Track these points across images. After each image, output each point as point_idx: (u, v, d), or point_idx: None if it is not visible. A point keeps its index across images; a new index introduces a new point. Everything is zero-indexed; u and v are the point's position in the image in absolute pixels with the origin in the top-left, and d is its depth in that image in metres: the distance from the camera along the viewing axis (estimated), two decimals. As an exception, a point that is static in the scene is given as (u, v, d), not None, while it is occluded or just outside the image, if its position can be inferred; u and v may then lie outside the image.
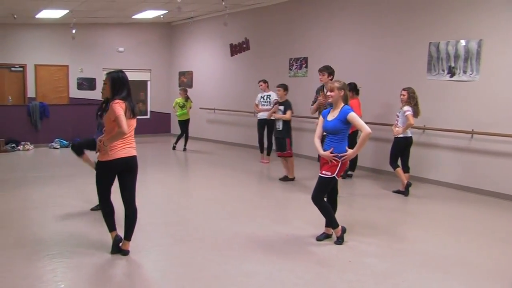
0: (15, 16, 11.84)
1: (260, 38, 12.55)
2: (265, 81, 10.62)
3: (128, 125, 4.50)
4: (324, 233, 5.37)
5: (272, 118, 9.02)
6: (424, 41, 8.53)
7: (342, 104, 5.14)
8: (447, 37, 8.20)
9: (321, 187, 5.14)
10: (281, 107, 8.51)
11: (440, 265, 4.68)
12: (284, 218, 6.40)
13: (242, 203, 7.10)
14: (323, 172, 5.12)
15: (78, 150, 6.66)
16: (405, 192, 7.52)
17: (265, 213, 6.51)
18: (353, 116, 5.01)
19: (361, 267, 4.57)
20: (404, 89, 7.56)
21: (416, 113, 7.48)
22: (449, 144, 8.27)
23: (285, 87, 8.71)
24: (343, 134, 5.12)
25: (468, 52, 7.88)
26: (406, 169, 7.68)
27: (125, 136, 4.55)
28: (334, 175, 5.06)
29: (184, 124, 12.54)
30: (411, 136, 7.65)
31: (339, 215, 5.33)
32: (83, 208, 6.65)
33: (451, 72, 8.17)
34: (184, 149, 12.49)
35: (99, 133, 6.47)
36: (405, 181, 7.53)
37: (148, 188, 7.72)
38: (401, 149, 7.63)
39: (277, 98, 10.13)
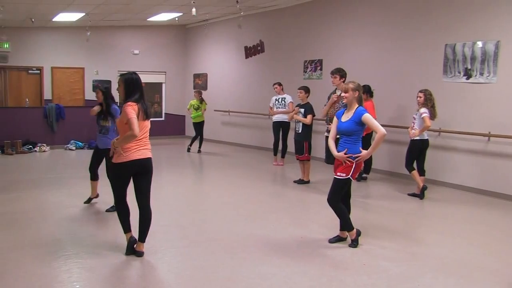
0: (33, 20, 11.98)
1: (274, 40, 12.55)
2: (279, 84, 10.59)
3: (141, 127, 4.51)
4: (337, 236, 5.33)
5: (292, 120, 8.97)
6: (440, 43, 8.45)
7: (357, 105, 5.11)
8: (464, 38, 8.11)
9: (336, 188, 5.12)
10: (302, 110, 8.42)
11: (456, 270, 4.62)
12: (299, 221, 6.37)
13: (257, 205, 7.09)
14: (338, 173, 5.09)
15: (93, 174, 6.89)
16: (420, 195, 7.46)
17: (280, 216, 6.49)
18: (367, 117, 4.99)
19: (376, 271, 4.53)
20: (420, 91, 7.48)
21: (432, 115, 7.39)
22: (465, 147, 8.18)
23: (306, 89, 8.59)
24: (357, 135, 5.09)
25: (485, 54, 7.79)
26: (422, 172, 7.61)
27: (140, 138, 4.56)
28: (349, 176, 5.03)
29: (198, 126, 12.59)
30: (427, 139, 7.58)
31: (354, 218, 5.30)
32: (98, 209, 6.72)
33: (468, 74, 8.08)
34: (199, 151, 12.53)
35: (101, 137, 6.59)
36: (421, 184, 7.46)
37: (163, 190, 7.74)
38: (417, 151, 7.56)
39: (292, 101, 10.17)
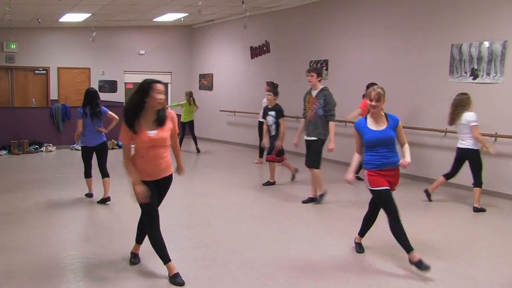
0: (40, 20, 12.03)
1: (280, 40, 12.54)
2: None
3: None
4: (357, 243, 5.09)
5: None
6: (446, 43, 8.42)
7: (383, 113, 4.70)
8: (470, 38, 8.08)
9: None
10: (272, 113, 8.17)
11: None
12: (305, 221, 6.36)
13: (262, 205, 7.09)
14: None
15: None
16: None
17: (285, 216, 6.49)
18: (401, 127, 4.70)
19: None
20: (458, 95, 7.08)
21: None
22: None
23: (275, 92, 8.35)
24: (395, 143, 4.66)
25: (492, 54, 7.76)
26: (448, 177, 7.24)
27: None
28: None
29: (188, 126, 12.65)
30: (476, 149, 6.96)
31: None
32: (104, 208, 6.74)
33: (474, 74, 8.04)
34: (198, 151, 12.56)
35: (97, 135, 7.07)
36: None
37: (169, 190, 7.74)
38: (456, 160, 7.15)
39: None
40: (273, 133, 8.22)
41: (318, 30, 11.30)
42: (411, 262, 4.47)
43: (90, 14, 12.02)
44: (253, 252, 5.03)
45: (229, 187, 8.38)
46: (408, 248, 4.49)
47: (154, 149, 4.14)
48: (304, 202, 7.20)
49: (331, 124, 6.88)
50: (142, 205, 4.21)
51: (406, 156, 4.63)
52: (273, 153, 8.22)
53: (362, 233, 5.07)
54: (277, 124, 8.14)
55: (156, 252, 4.26)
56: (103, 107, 7.21)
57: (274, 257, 4.89)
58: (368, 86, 8.64)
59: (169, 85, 16.27)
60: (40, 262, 4.65)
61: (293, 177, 8.86)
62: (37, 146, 12.43)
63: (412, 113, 8.66)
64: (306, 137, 7.11)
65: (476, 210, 6.88)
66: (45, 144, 12.59)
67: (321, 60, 11.21)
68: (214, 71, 15.39)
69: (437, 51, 8.59)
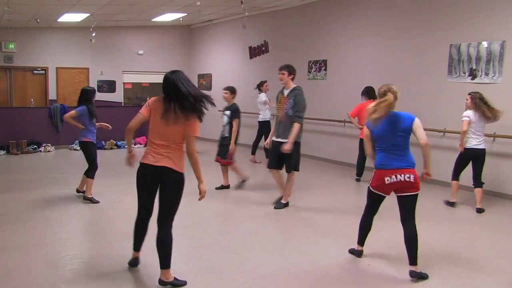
0: (38, 20, 12.02)
1: (279, 40, 12.54)
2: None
3: (153, 127, 4.19)
4: (357, 249, 4.95)
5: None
6: (445, 43, 8.43)
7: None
8: (469, 38, 8.09)
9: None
10: (227, 113, 7.80)
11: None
12: (303, 221, 6.36)
13: (260, 205, 7.09)
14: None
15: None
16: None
17: (283, 216, 6.49)
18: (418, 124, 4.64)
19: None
20: (468, 94, 6.86)
21: (492, 115, 6.69)
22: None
23: (232, 90, 8.02)
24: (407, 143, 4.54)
25: (491, 54, 7.77)
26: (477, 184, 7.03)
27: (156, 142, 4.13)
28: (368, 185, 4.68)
29: None
30: (482, 148, 6.84)
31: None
32: (103, 208, 6.75)
33: (473, 74, 8.06)
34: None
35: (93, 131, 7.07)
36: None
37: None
38: (463, 161, 7.04)
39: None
40: (226, 134, 7.80)
41: (317, 30, 11.30)
42: (351, 250, 4.93)
43: (89, 14, 12.02)
44: (251, 252, 5.03)
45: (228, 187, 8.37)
46: (360, 241, 4.86)
47: None
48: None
49: (295, 126, 6.42)
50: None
51: None
52: (226, 156, 7.79)
53: (361, 241, 4.92)
54: (231, 125, 7.72)
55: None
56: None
57: (272, 257, 4.90)
58: (364, 90, 8.67)
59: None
60: (39, 262, 4.65)
61: (239, 185, 8.12)
62: (35, 146, 12.41)
63: (411, 113, 8.64)
64: (275, 138, 6.74)
65: (480, 211, 6.87)
66: (44, 144, 12.57)
67: (320, 60, 11.22)
68: (212, 71, 15.39)
69: (436, 51, 8.60)
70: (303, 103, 6.53)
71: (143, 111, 4.15)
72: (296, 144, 6.55)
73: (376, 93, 4.63)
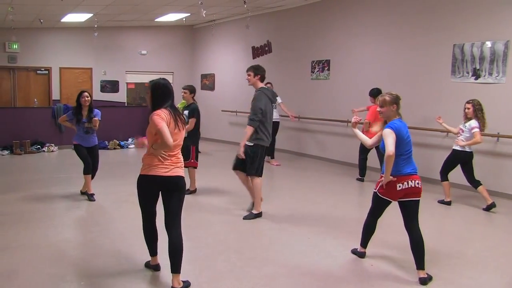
0: (42, 20, 12.05)
1: (282, 40, 12.54)
2: (271, 84, 10.65)
3: (174, 139, 3.97)
4: (361, 250, 4.93)
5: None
6: (448, 43, 8.41)
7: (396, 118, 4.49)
8: (472, 38, 8.07)
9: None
10: (186, 112, 7.39)
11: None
12: (306, 221, 6.36)
13: (264, 204, 7.08)
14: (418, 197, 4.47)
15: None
16: (488, 207, 6.99)
17: (286, 216, 6.48)
18: (384, 133, 4.37)
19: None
20: (468, 102, 6.87)
21: (483, 126, 6.83)
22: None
23: (191, 89, 7.62)
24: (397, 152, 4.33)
25: (494, 54, 7.75)
26: (476, 184, 7.03)
27: (173, 153, 4.05)
28: (375, 190, 4.58)
29: None
30: (471, 152, 6.98)
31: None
32: (106, 209, 6.76)
33: (476, 74, 8.04)
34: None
35: (89, 137, 7.09)
36: (449, 197, 7.23)
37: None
38: (456, 163, 7.09)
39: (282, 102, 10.07)
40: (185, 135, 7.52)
41: (320, 30, 11.29)
42: (354, 251, 4.96)
43: (92, 14, 12.04)
44: (255, 252, 5.03)
45: (229, 187, 8.36)
46: (363, 243, 4.87)
47: None
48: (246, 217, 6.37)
49: (247, 128, 6.08)
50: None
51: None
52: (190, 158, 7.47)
53: (364, 243, 4.91)
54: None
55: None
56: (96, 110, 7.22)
57: (275, 257, 4.89)
58: (371, 91, 8.67)
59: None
60: (42, 262, 4.66)
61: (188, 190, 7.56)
62: (39, 146, 12.44)
63: (414, 113, 8.64)
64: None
65: (493, 205, 6.91)
66: (47, 144, 12.60)
67: (323, 60, 11.21)
68: (216, 71, 15.40)
69: (439, 51, 8.58)
70: (256, 106, 6.09)
71: (163, 123, 3.89)
72: (255, 148, 6.14)
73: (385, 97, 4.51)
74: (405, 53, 9.24)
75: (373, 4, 10.01)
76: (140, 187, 4.12)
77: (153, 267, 4.50)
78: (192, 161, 7.54)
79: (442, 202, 7.29)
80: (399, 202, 4.46)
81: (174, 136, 3.97)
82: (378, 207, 4.63)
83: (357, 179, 9.00)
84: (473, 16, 8.10)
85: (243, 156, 6.16)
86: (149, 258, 4.51)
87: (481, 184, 7.01)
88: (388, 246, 5.20)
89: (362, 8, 10.27)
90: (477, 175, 7.08)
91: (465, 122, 6.96)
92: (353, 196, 8.14)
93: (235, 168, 6.49)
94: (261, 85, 6.38)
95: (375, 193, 4.57)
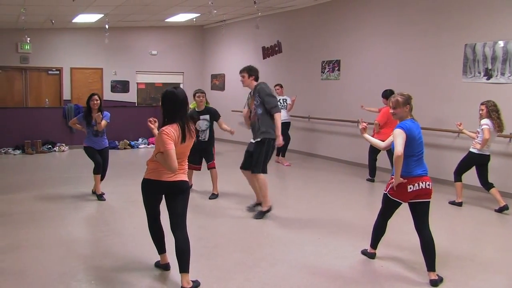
0: (53, 21, 12.13)
1: (292, 40, 12.52)
2: (281, 86, 10.75)
3: (179, 152, 3.97)
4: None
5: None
6: (460, 42, 8.34)
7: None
8: (484, 38, 8.00)
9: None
10: (206, 116, 7.44)
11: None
12: (316, 222, 6.34)
13: (274, 205, 7.08)
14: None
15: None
16: (501, 208, 6.93)
17: (296, 216, 6.47)
18: (394, 133, 4.34)
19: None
20: (482, 103, 6.82)
21: (499, 127, 6.73)
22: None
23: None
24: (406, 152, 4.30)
25: (507, 53, 7.67)
26: (488, 186, 6.97)
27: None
28: (385, 191, 4.54)
29: None
30: (488, 155, 6.91)
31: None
32: (115, 207, 6.78)
33: (488, 74, 7.96)
34: None
35: (99, 139, 7.11)
36: (461, 198, 7.17)
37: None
38: (471, 165, 7.03)
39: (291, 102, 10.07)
40: (206, 138, 7.49)
41: (331, 30, 11.26)
42: (364, 252, 4.93)
43: (103, 15, 12.10)
44: (264, 253, 5.02)
45: (238, 187, 8.36)
46: (373, 244, 4.85)
47: None
48: (255, 216, 6.38)
49: (276, 116, 6.18)
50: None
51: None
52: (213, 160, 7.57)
53: (374, 244, 4.89)
54: (211, 130, 7.52)
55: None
56: (106, 112, 7.24)
57: (285, 257, 4.88)
58: (383, 93, 8.62)
59: (181, 85, 16.32)
60: (53, 261, 4.69)
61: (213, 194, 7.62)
62: (50, 146, 12.52)
63: (424, 113, 8.57)
64: (251, 140, 6.47)
65: (506, 207, 6.84)
66: (58, 144, 12.68)
67: (333, 60, 11.17)
68: (226, 71, 15.41)
69: (450, 51, 8.52)
70: (273, 98, 6.26)
71: (171, 146, 3.86)
72: (264, 143, 6.22)
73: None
74: (416, 53, 9.18)
75: (383, 4, 9.95)
76: (144, 190, 4.18)
77: (162, 266, 4.51)
78: (212, 162, 7.55)
79: (453, 203, 7.23)
80: (409, 203, 4.43)
81: (182, 149, 4.00)
82: (388, 208, 4.60)
83: (367, 179, 8.97)
84: (485, 16, 8.03)
85: (282, 143, 6.31)
86: (158, 257, 4.52)
87: (494, 187, 6.94)
88: (399, 248, 5.17)
89: (372, 8, 10.22)
90: (490, 177, 7.01)
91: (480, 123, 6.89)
92: (363, 197, 8.11)
93: (245, 167, 6.53)
94: (255, 83, 6.38)
95: (385, 195, 4.55)
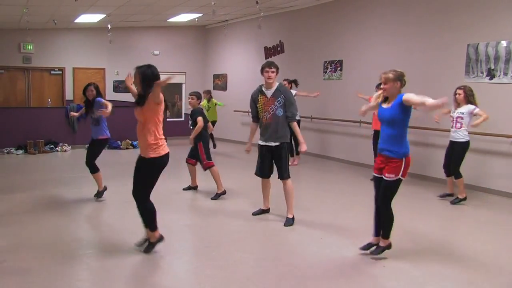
0: (56, 21, 12.15)
1: (294, 40, 12.52)
2: (289, 81, 10.50)
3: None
4: (369, 243, 4.95)
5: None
6: (462, 42, 8.33)
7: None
8: (487, 38, 7.98)
9: (386, 192, 4.60)
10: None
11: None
12: (319, 222, 6.33)
13: (276, 204, 7.07)
14: (386, 174, 4.57)
15: (92, 167, 7.17)
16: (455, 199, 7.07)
17: (299, 216, 6.46)
18: (408, 95, 4.36)
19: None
20: (459, 88, 6.99)
21: None
22: (489, 149, 8.03)
23: (198, 96, 7.90)
24: (401, 126, 4.48)
25: (510, 53, 7.65)
26: (458, 175, 7.08)
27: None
28: (399, 176, 4.53)
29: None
30: (469, 140, 7.07)
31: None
32: (116, 206, 6.79)
33: (491, 74, 7.95)
34: (214, 146, 12.55)
35: (95, 128, 7.18)
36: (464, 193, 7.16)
37: (185, 190, 7.76)
38: (464, 153, 7.06)
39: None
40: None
41: (333, 30, 11.25)
42: (364, 247, 4.92)
43: (105, 15, 12.11)
44: (266, 252, 5.02)
45: (241, 187, 8.36)
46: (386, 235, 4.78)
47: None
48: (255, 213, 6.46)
49: (295, 125, 6.08)
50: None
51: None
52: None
53: (376, 233, 4.92)
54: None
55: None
56: (99, 99, 7.37)
57: (288, 257, 4.88)
58: (377, 86, 8.61)
59: (183, 86, 16.34)
60: (55, 261, 4.69)
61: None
62: (52, 146, 12.55)
63: (427, 113, 8.56)
64: (262, 142, 6.24)
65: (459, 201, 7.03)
66: (60, 144, 12.71)
67: (336, 60, 11.16)
68: (228, 71, 15.41)
69: (453, 51, 8.50)
70: (295, 104, 6.14)
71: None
72: (285, 147, 6.08)
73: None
74: (419, 54, 9.16)
75: (386, 4, 9.94)
76: (161, 166, 4.77)
77: (159, 239, 4.88)
78: (205, 162, 7.46)
79: (457, 200, 7.13)
80: (377, 178, 4.71)
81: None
82: (396, 191, 4.62)
83: (372, 180, 8.89)
84: (488, 16, 8.01)
85: (306, 149, 6.16)
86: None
87: (462, 177, 7.06)
88: (400, 248, 5.16)
89: (375, 8, 10.21)
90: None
91: (456, 109, 7.02)
92: (365, 196, 8.07)
93: (266, 175, 6.35)
94: (276, 82, 6.27)
95: (398, 180, 4.53)
